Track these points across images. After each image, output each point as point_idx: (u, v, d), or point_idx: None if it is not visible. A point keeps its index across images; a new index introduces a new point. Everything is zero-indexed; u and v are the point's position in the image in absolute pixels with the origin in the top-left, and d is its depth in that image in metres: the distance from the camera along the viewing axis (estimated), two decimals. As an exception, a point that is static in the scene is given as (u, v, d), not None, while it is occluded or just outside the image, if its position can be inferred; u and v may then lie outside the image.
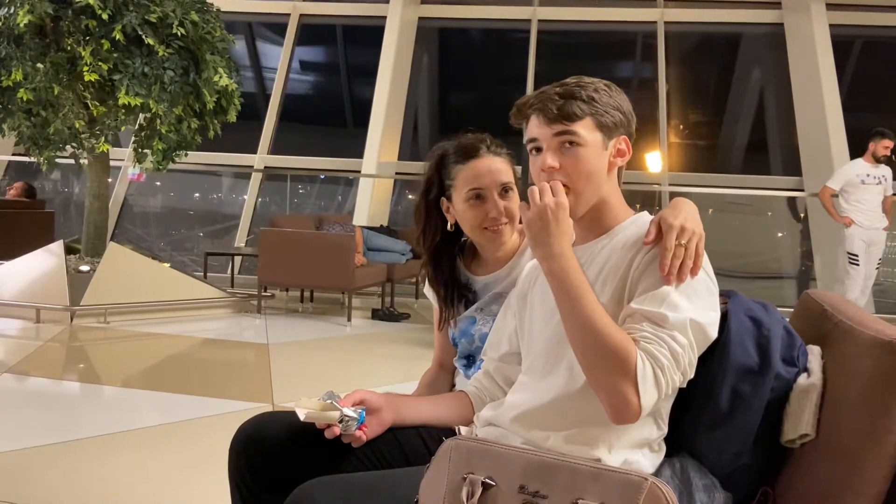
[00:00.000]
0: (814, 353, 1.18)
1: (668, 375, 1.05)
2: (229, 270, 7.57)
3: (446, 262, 1.66)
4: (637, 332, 1.07)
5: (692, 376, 1.10)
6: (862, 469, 1.00)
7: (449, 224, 1.61)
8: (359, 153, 8.52)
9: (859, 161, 6.14)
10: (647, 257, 1.14)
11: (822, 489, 1.06)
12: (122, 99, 5.01)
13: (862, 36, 9.09)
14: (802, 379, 1.14)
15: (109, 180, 6.56)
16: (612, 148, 1.22)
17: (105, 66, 5.02)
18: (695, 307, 1.09)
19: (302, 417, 1.25)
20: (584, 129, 1.18)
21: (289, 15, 9.45)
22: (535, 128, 1.21)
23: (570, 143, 1.18)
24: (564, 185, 1.17)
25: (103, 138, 5.47)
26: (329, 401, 1.28)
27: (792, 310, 1.42)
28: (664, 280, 1.10)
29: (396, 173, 8.75)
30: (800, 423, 1.11)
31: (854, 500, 1.00)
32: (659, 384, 1.04)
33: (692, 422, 1.16)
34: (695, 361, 1.09)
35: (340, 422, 1.27)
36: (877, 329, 1.06)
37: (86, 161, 5.78)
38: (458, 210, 1.57)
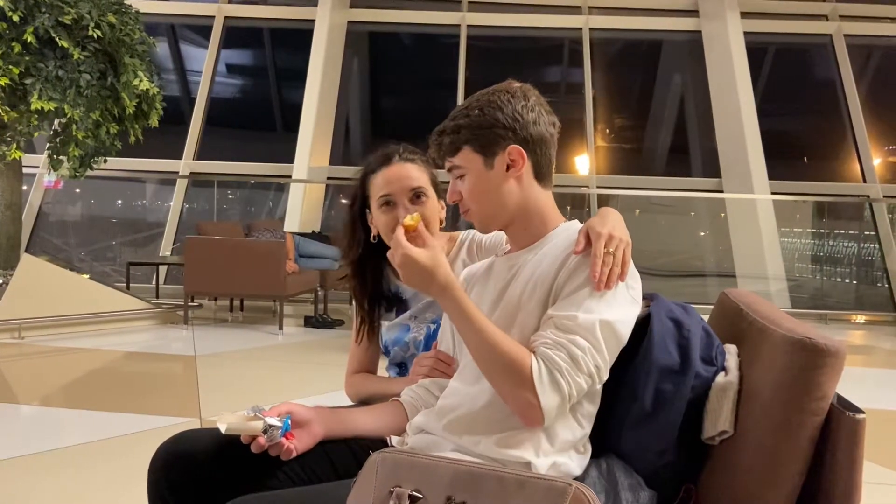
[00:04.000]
0: (731, 352, 1.22)
1: (567, 377, 1.08)
2: (154, 280, 7.32)
3: (370, 274, 1.64)
4: (539, 339, 1.12)
5: (606, 377, 1.13)
6: (777, 464, 1.04)
7: (372, 234, 1.60)
8: (289, 158, 8.39)
9: None
10: (572, 264, 1.16)
11: (740, 484, 1.09)
12: (35, 104, 4.80)
13: (775, 43, 9.54)
14: (720, 377, 1.18)
15: (24, 188, 6.26)
16: (498, 164, 1.23)
17: (16, 70, 4.80)
18: (609, 308, 1.12)
19: (223, 430, 1.21)
20: (463, 159, 1.24)
21: (213, 17, 9.23)
22: None
23: (457, 175, 1.26)
24: (467, 210, 1.26)
25: (15, 145, 5.23)
26: (253, 413, 1.24)
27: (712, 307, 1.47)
28: (594, 287, 1.12)
29: (328, 178, 8.66)
30: (718, 420, 1.14)
31: (770, 494, 1.04)
32: (558, 386, 1.08)
33: (617, 422, 1.18)
34: (603, 363, 1.11)
35: (265, 432, 1.22)
36: (788, 328, 1.10)
37: (-4, 169, 5.51)
38: (375, 218, 1.58)
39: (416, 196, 1.55)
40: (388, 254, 1.22)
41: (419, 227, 1.22)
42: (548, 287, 1.17)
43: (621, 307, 1.14)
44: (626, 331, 1.13)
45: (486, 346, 1.12)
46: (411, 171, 1.56)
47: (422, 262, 1.16)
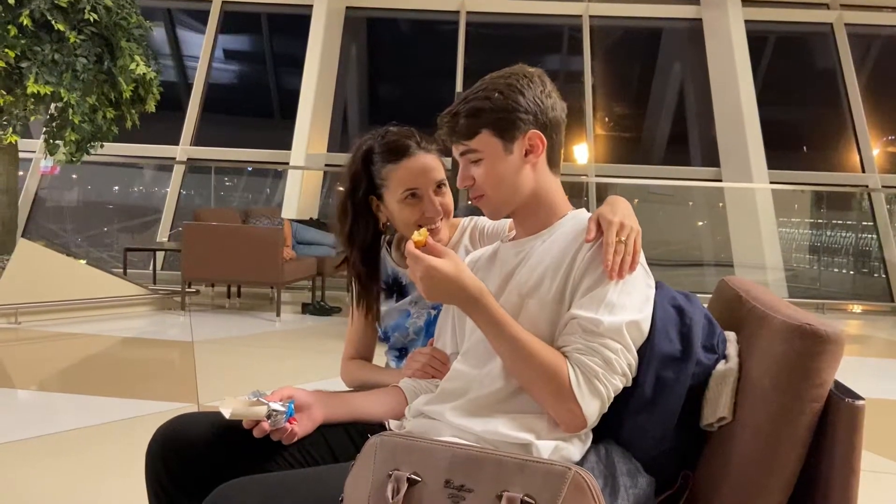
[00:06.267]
0: (730, 339, 1.22)
1: (605, 381, 1.09)
2: (151, 266, 7.31)
3: (376, 260, 1.64)
4: (570, 343, 1.12)
5: (635, 375, 1.14)
6: (776, 450, 1.03)
7: (381, 223, 1.59)
8: (287, 145, 8.36)
9: None
10: (588, 255, 1.16)
11: (738, 470, 1.09)
12: (31, 87, 4.78)
13: (776, 32, 9.49)
14: (721, 365, 1.17)
15: (21, 173, 6.24)
16: (517, 149, 1.22)
17: (12, 53, 4.77)
18: (632, 303, 1.13)
19: (227, 416, 1.20)
20: (481, 143, 1.21)
21: (210, 2, 9.16)
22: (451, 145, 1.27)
23: (472, 159, 1.22)
24: (481, 195, 1.22)
25: (11, 129, 5.20)
26: (255, 398, 1.23)
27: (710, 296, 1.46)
28: (606, 276, 1.13)
29: (326, 165, 8.63)
30: (718, 406, 1.14)
31: (768, 480, 1.04)
32: (597, 392, 1.09)
33: (617, 408, 1.18)
34: (634, 361, 1.13)
35: (269, 417, 1.22)
36: (788, 314, 1.09)
37: (-8, 153, 5.48)
38: (392, 209, 1.54)
39: (439, 186, 1.53)
40: (409, 271, 1.19)
41: (428, 240, 1.18)
42: (563, 279, 1.17)
43: (640, 292, 1.15)
44: (648, 325, 1.15)
45: (522, 356, 1.12)
46: (432, 162, 1.53)
47: (447, 273, 1.13)
